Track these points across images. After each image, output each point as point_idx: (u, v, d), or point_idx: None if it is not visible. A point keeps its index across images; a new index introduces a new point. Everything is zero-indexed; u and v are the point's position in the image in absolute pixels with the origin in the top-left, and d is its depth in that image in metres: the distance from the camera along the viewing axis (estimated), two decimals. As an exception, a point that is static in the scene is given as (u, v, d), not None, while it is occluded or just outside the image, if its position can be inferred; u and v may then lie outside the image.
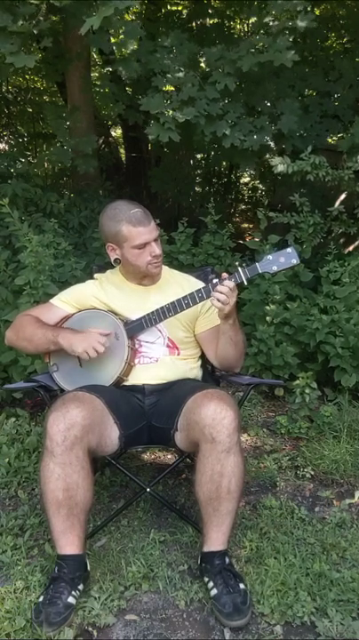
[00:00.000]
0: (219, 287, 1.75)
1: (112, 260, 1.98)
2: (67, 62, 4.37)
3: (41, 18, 2.87)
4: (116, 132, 7.46)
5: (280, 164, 3.22)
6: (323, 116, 4.22)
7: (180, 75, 3.32)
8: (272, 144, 3.99)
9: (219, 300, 1.75)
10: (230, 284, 1.76)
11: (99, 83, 4.90)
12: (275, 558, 1.81)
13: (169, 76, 3.33)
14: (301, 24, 3.06)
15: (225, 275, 1.79)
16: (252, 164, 3.81)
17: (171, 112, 3.22)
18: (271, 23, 3.25)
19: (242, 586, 1.64)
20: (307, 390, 2.55)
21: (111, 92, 4.27)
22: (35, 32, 2.89)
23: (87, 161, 4.17)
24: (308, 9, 3.16)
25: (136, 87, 4.24)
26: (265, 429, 2.72)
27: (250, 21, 5.45)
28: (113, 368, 1.90)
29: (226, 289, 1.75)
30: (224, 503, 1.64)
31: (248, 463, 2.42)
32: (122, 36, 3.26)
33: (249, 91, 3.78)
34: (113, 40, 3.70)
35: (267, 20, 3.29)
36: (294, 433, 2.61)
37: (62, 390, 1.93)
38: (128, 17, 3.87)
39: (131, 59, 3.45)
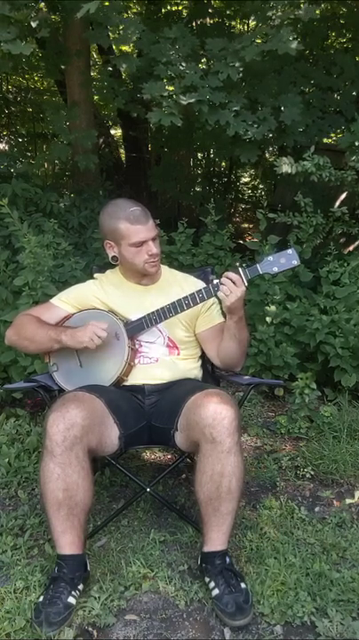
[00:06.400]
0: (224, 279, 1.77)
1: (110, 257, 1.98)
2: (67, 58, 4.37)
3: (39, 10, 2.90)
4: (116, 132, 7.46)
5: (285, 165, 3.22)
6: (325, 112, 4.22)
7: (182, 66, 3.32)
8: (273, 140, 3.99)
9: (221, 291, 1.76)
10: (234, 276, 1.76)
11: (98, 80, 4.91)
12: (275, 558, 1.81)
13: (171, 66, 3.33)
14: (307, 15, 3.07)
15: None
16: (254, 156, 3.80)
17: (173, 96, 3.22)
18: (273, 16, 3.26)
19: (243, 585, 1.64)
20: (307, 391, 2.55)
21: (110, 87, 4.27)
22: (33, 25, 2.91)
23: (87, 157, 4.17)
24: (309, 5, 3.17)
25: (136, 82, 4.24)
26: (265, 429, 2.72)
27: (250, 21, 5.46)
28: (113, 368, 1.90)
29: (229, 281, 1.76)
30: (224, 503, 1.64)
31: (248, 463, 2.42)
32: (121, 32, 3.28)
33: (251, 85, 3.78)
34: (112, 36, 3.72)
35: (269, 13, 3.29)
36: (294, 433, 2.61)
37: (62, 390, 1.93)
38: (126, 16, 3.88)
39: (131, 54, 3.46)
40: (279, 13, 3.26)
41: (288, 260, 1.83)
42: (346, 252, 3.94)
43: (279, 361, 2.85)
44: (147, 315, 1.91)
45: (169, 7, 5.30)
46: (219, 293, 1.77)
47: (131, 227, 1.87)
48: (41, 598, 1.60)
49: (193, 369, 2.05)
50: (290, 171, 3.24)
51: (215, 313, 2.03)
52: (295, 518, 2.05)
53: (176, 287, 2.02)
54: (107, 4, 3.13)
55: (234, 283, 1.76)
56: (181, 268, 2.84)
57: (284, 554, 1.83)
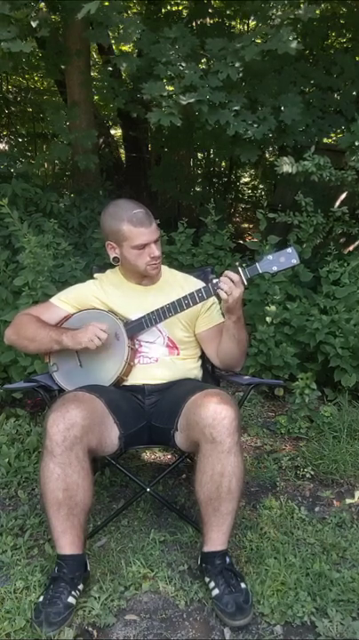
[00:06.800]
0: (223, 278, 1.76)
1: (111, 258, 1.98)
2: (67, 58, 4.38)
3: (39, 9, 2.91)
4: (116, 132, 7.46)
5: (285, 165, 3.22)
6: (325, 112, 4.22)
7: (182, 66, 3.33)
8: (273, 140, 3.99)
9: (221, 289, 1.76)
10: (234, 276, 1.76)
11: (98, 79, 4.91)
12: (275, 558, 1.81)
13: (171, 66, 3.33)
14: (307, 15, 3.07)
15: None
16: (254, 156, 3.80)
17: (173, 96, 3.22)
18: (273, 16, 3.26)
19: (243, 585, 1.64)
20: (307, 391, 2.55)
21: (110, 87, 4.27)
22: (33, 25, 2.92)
23: (87, 157, 4.17)
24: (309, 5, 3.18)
25: (136, 82, 4.25)
26: (265, 429, 2.72)
27: (250, 21, 5.47)
28: (113, 368, 1.90)
29: (228, 279, 1.76)
30: (224, 503, 1.64)
31: (248, 463, 2.42)
32: (121, 32, 3.29)
33: (251, 84, 3.78)
34: (112, 35, 3.72)
35: (269, 13, 3.30)
36: (294, 433, 2.61)
37: (62, 390, 1.93)
38: (126, 16, 3.89)
39: (131, 54, 3.46)
40: (279, 13, 3.26)
41: (287, 258, 1.83)
42: (346, 252, 3.94)
43: (279, 361, 2.85)
44: (146, 314, 1.91)
45: (169, 7, 5.30)
46: (220, 292, 1.77)
47: (134, 229, 1.87)
48: (41, 598, 1.60)
49: (193, 369, 2.05)
50: (290, 170, 3.24)
51: (215, 313, 2.03)
52: (295, 518, 2.05)
53: (176, 287, 2.01)
54: (106, 4, 3.14)
55: (233, 282, 1.76)
56: (181, 268, 2.83)
57: (284, 554, 1.83)
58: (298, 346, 2.94)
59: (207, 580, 1.67)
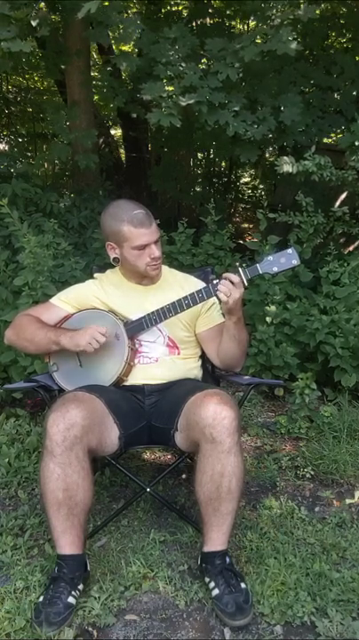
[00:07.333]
0: (223, 281, 1.76)
1: (111, 258, 1.98)
2: (67, 58, 4.38)
3: (39, 8, 2.92)
4: (116, 132, 7.47)
5: (285, 165, 3.22)
6: (325, 112, 4.22)
7: (182, 67, 3.33)
8: (273, 140, 3.99)
9: (220, 291, 1.76)
10: (234, 277, 1.76)
11: (98, 79, 4.91)
12: (275, 558, 1.81)
13: (171, 66, 3.33)
14: (307, 15, 3.07)
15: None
16: (254, 156, 3.80)
17: (172, 96, 3.22)
18: (273, 16, 3.26)
19: (243, 585, 1.64)
20: (307, 391, 2.55)
21: (110, 87, 4.27)
22: (33, 24, 2.93)
23: (87, 156, 4.17)
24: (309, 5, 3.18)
25: (136, 82, 4.25)
26: (265, 429, 2.72)
27: (250, 21, 5.47)
28: (113, 368, 1.90)
29: (227, 282, 1.76)
30: (224, 503, 1.64)
31: (248, 463, 2.42)
32: (121, 32, 3.29)
33: (251, 85, 3.78)
34: (112, 35, 3.72)
35: (269, 13, 3.30)
36: (294, 433, 2.61)
37: (62, 390, 1.93)
38: (126, 16, 3.89)
39: (131, 54, 3.46)
40: (279, 13, 3.26)
41: (288, 259, 1.83)
42: (346, 252, 3.94)
43: (279, 361, 2.85)
44: (146, 315, 1.91)
45: (169, 7, 5.30)
46: (219, 294, 1.77)
47: (135, 230, 1.87)
48: (41, 598, 1.60)
49: (193, 369, 2.05)
50: (290, 170, 3.24)
51: (215, 313, 2.03)
52: (295, 518, 2.05)
53: (176, 287, 2.01)
54: (106, 3, 3.14)
55: (233, 283, 1.76)
56: (181, 268, 2.83)
57: (284, 554, 1.84)
58: (298, 346, 2.95)
59: (207, 580, 1.67)
